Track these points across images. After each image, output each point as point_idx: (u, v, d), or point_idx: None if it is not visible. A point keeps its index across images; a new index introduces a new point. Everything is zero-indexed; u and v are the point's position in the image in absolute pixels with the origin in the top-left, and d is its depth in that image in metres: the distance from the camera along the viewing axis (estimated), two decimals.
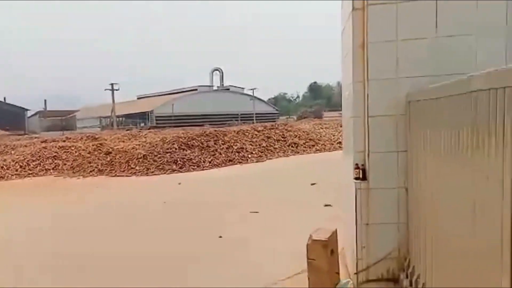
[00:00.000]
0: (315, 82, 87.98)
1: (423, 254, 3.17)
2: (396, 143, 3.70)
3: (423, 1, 3.54)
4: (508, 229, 1.77)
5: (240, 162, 16.07)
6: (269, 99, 76.27)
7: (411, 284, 3.32)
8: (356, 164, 3.86)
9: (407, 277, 3.48)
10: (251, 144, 17.79)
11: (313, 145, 19.41)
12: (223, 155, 16.39)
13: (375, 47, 3.69)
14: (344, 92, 4.75)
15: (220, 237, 6.27)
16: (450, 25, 3.51)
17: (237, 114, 56.54)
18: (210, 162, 15.63)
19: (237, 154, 16.68)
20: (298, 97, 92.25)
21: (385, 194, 3.73)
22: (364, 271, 3.79)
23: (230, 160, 16.10)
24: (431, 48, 3.55)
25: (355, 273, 3.84)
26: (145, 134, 25.79)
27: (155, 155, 15.80)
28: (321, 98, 76.33)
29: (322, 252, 3.82)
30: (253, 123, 39.16)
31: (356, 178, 3.83)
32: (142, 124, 52.48)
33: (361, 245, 3.78)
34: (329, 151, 18.25)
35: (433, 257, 2.92)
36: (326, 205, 7.86)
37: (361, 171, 3.80)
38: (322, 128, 24.27)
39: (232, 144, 17.32)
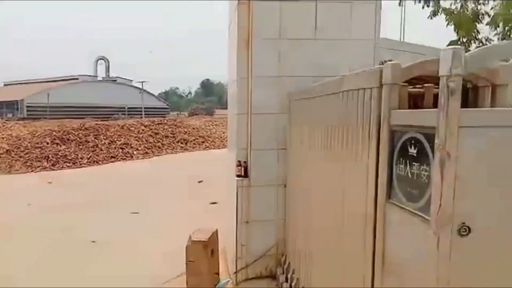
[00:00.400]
0: (207, 79, 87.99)
1: (297, 250, 3.25)
2: (277, 141, 3.74)
3: (304, 2, 3.63)
4: (371, 226, 1.84)
5: (123, 159, 15.06)
6: (159, 93, 73.59)
7: (287, 280, 3.38)
8: (239, 162, 3.80)
9: (283, 273, 3.54)
10: (137, 140, 16.84)
11: (203, 142, 19.30)
12: (105, 151, 15.16)
13: (260, 43, 3.67)
14: (230, 88, 4.68)
15: (93, 241, 5.67)
16: (328, 27, 3.67)
17: (124, 108, 53.19)
18: (88, 159, 14.29)
19: (120, 150, 15.60)
20: (190, 93, 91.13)
21: (265, 192, 3.74)
22: (244, 270, 3.76)
23: (112, 157, 14.97)
24: (311, 49, 3.67)
25: (234, 272, 3.78)
26: (11, 126, 22.38)
27: (22, 151, 13.84)
28: (213, 96, 76.71)
29: (202, 253, 3.67)
30: (141, 117, 37.28)
31: (238, 176, 3.78)
32: (10, 115, 45.78)
33: (240, 244, 3.74)
34: (219, 149, 18.32)
35: (307, 253, 3.00)
36: (212, 203, 7.77)
37: (243, 168, 3.76)
38: (213, 125, 24.31)
39: (115, 139, 16.15)
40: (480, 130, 1.28)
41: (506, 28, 10.77)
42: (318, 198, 2.76)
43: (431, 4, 12.17)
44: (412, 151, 1.53)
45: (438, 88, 1.34)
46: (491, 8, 11.67)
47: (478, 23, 11.63)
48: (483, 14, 11.73)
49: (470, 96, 1.80)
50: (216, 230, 4.04)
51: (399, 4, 12.78)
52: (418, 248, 1.50)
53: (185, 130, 19.95)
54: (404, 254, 1.63)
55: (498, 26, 11.11)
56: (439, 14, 12.18)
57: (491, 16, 11.26)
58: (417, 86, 1.85)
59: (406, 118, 1.61)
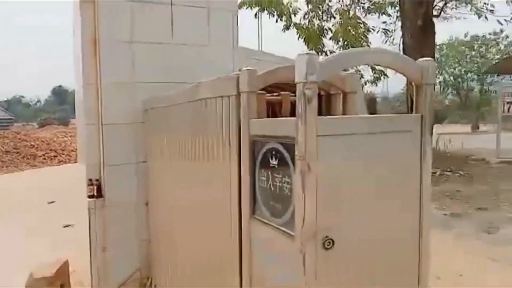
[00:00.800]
0: (60, 86, 78.66)
1: (164, 271, 2.97)
2: (135, 154, 3.38)
3: (159, 5, 3.39)
4: (237, 244, 1.71)
5: None
6: None
7: None
8: (90, 180, 3.31)
9: None
10: None
11: (55, 156, 17.09)
12: None
13: (109, 46, 3.27)
14: (78, 95, 4.11)
15: None
16: (185, 32, 3.49)
17: None
18: None
19: None
20: (39, 101, 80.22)
21: (124, 212, 3.34)
22: None
23: None
24: (167, 54, 3.43)
25: None
26: None
27: None
28: (67, 104, 68.88)
29: None
30: None
31: (90, 196, 3.28)
32: None
33: (97, 273, 3.26)
34: (75, 163, 16.42)
35: (174, 274, 2.75)
36: (66, 226, 6.79)
37: (95, 187, 3.28)
38: (67, 137, 21.69)
39: None
40: (338, 138, 1.25)
41: (345, 42, 12.43)
42: (182, 214, 2.55)
43: (284, 18, 13.26)
44: (274, 162, 1.45)
45: (295, 95, 1.27)
46: (333, 25, 13.35)
47: (324, 37, 13.16)
48: (326, 30, 13.34)
49: (323, 103, 1.83)
50: (66, 261, 3.47)
51: (255, 16, 13.55)
52: (284, 264, 1.42)
53: (33, 143, 17.38)
54: (272, 271, 1.53)
55: (339, 41, 12.74)
56: (291, 28, 13.37)
57: (333, 32, 12.86)
58: (274, 94, 1.80)
59: (265, 127, 1.52)
